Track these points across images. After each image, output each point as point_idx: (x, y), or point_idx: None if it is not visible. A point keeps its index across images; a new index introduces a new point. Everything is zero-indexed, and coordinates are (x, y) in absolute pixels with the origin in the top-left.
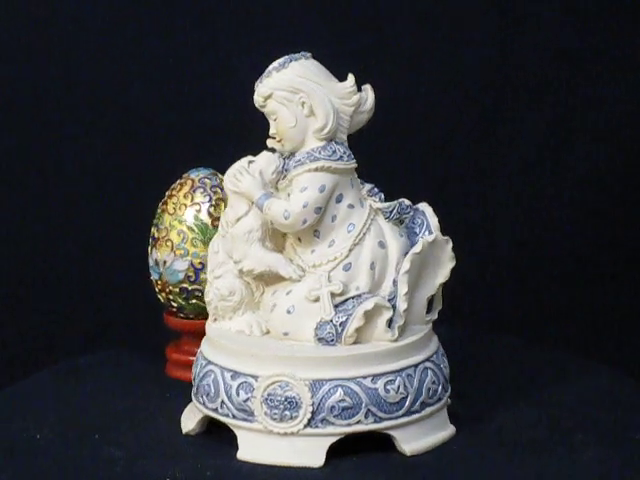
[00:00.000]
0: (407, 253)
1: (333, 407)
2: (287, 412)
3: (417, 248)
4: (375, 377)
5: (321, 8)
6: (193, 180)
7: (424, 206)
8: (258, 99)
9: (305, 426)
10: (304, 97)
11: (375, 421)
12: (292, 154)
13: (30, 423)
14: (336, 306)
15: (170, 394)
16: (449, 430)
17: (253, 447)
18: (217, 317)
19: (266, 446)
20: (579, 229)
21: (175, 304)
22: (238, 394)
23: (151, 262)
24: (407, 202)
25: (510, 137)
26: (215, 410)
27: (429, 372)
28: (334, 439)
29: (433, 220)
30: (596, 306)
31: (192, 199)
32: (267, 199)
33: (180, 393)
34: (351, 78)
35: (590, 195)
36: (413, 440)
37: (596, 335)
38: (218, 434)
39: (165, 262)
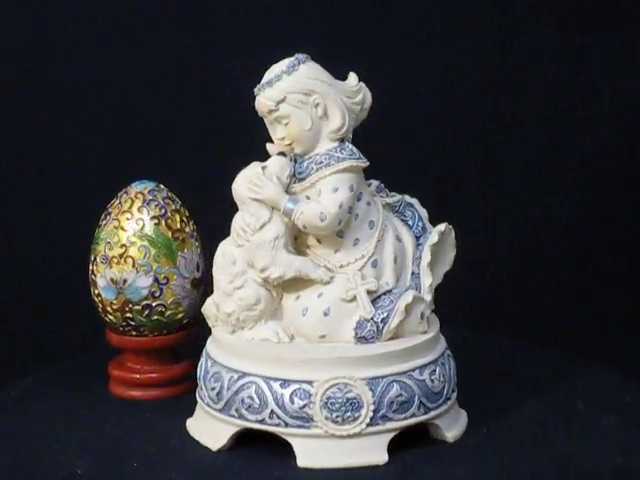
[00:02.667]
0: (419, 245)
1: (392, 403)
2: (349, 413)
3: (434, 238)
4: (421, 369)
5: (320, 8)
6: (143, 194)
7: (408, 198)
8: (268, 104)
9: (367, 425)
10: (318, 98)
11: (425, 412)
12: (299, 156)
13: (38, 455)
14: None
15: (149, 415)
16: (464, 414)
17: (313, 453)
18: (236, 328)
19: (327, 450)
20: (579, 229)
21: (133, 323)
22: (292, 402)
23: (103, 282)
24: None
25: (510, 137)
26: (261, 422)
27: (451, 359)
28: (392, 434)
29: (423, 211)
30: (596, 306)
31: (148, 213)
32: (295, 204)
33: (155, 412)
34: (354, 77)
35: (590, 195)
36: (452, 427)
37: (596, 335)
38: (245, 447)
39: (125, 280)
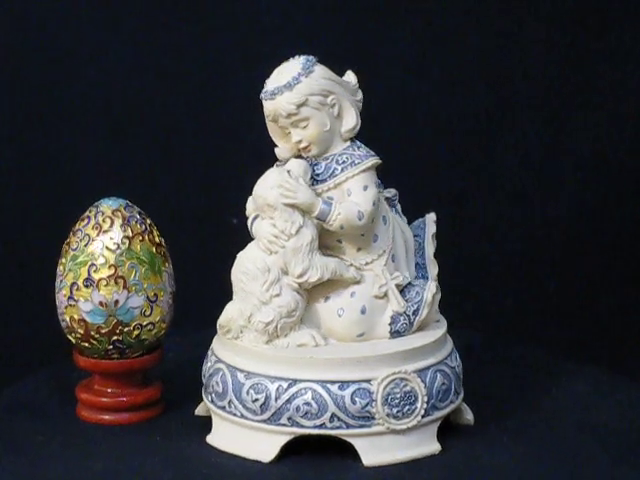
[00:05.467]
0: (415, 236)
1: (438, 392)
2: (407, 407)
3: (433, 228)
4: (450, 356)
5: (320, 7)
6: (120, 211)
7: None
8: (289, 107)
9: (422, 416)
10: (335, 99)
11: (457, 398)
12: (313, 158)
13: None
14: None
15: (159, 438)
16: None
17: (375, 451)
18: (273, 337)
19: (389, 446)
20: (580, 230)
21: (121, 345)
22: (354, 402)
23: (88, 307)
24: None
25: (510, 138)
26: (320, 427)
27: None
28: (438, 423)
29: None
30: (599, 308)
31: (132, 230)
32: (331, 205)
33: (157, 435)
34: (353, 75)
35: (591, 195)
36: (468, 411)
37: (598, 336)
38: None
39: (117, 302)
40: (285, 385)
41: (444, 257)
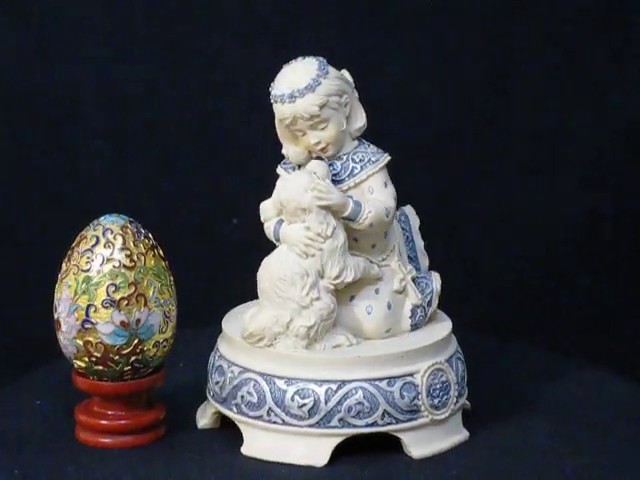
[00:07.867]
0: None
1: (461, 379)
2: (445, 397)
3: (417, 221)
4: (459, 345)
5: (319, 6)
6: (128, 227)
7: None
8: (313, 109)
9: (454, 405)
10: (347, 98)
11: (467, 384)
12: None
13: None
14: None
15: (195, 455)
16: None
17: (421, 443)
18: (312, 341)
19: (432, 437)
20: (581, 230)
21: (139, 365)
22: (403, 397)
23: (108, 329)
24: None
25: (511, 139)
26: (372, 425)
27: None
28: (461, 410)
29: None
30: (599, 308)
31: (144, 246)
32: (361, 205)
33: (186, 453)
34: (347, 73)
35: (592, 195)
36: None
37: (598, 336)
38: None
39: (139, 320)
40: (334, 387)
41: (443, 256)
